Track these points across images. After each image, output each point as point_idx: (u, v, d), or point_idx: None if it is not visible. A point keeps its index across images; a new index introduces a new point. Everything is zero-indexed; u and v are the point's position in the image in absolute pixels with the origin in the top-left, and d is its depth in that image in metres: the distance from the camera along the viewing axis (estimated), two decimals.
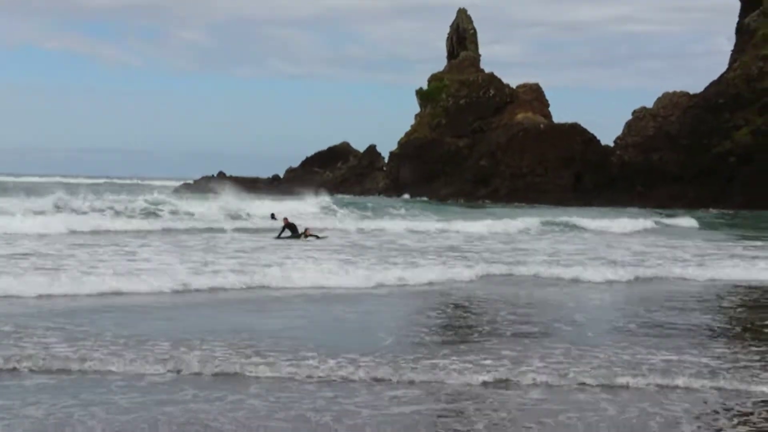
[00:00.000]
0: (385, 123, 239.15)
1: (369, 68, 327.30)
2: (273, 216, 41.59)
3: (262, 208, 46.03)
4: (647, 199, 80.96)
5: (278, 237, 33.79)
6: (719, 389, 11.34)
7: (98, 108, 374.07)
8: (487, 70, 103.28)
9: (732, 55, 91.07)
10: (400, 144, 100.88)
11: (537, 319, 16.50)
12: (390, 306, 18.53)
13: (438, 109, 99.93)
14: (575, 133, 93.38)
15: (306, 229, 34.24)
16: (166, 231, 35.58)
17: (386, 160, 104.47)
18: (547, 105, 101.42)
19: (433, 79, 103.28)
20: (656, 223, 50.52)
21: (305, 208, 49.06)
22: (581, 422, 9.89)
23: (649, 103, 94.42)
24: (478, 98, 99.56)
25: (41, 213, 36.96)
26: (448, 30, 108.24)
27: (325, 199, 53.53)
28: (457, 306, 18.28)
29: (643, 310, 18.06)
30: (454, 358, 12.53)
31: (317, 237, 33.96)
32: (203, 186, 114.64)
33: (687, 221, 52.87)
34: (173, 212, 42.73)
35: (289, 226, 34.41)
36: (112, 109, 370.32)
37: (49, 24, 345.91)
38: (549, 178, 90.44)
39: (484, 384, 11.28)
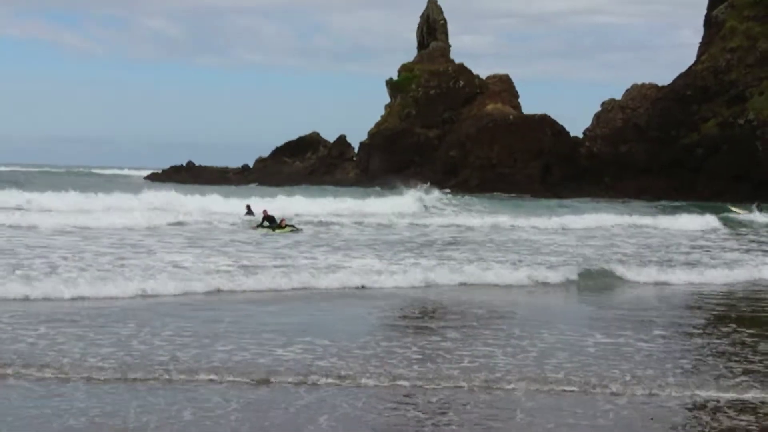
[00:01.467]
0: (355, 113, 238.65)
1: (338, 58, 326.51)
2: (249, 208, 41.87)
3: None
4: (615, 190, 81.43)
5: (258, 227, 34.68)
6: None
7: (61, 96, 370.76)
8: (457, 61, 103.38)
9: (700, 47, 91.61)
10: (370, 134, 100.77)
11: None
12: None
13: (408, 99, 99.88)
14: (545, 124, 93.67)
15: (282, 220, 35.07)
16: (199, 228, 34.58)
17: (356, 151, 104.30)
18: (517, 96, 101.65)
19: (404, 69, 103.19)
20: (722, 220, 48.32)
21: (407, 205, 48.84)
22: None
23: (617, 95, 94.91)
24: (448, 89, 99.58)
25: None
26: (418, 20, 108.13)
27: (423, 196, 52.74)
28: None
29: None
30: None
31: (294, 228, 34.46)
32: (172, 176, 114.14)
33: (754, 216, 52.45)
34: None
35: (268, 218, 35.48)
36: (75, 98, 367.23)
37: (11, 11, 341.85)
38: (518, 170, 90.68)
39: None
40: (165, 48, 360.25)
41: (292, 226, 34.36)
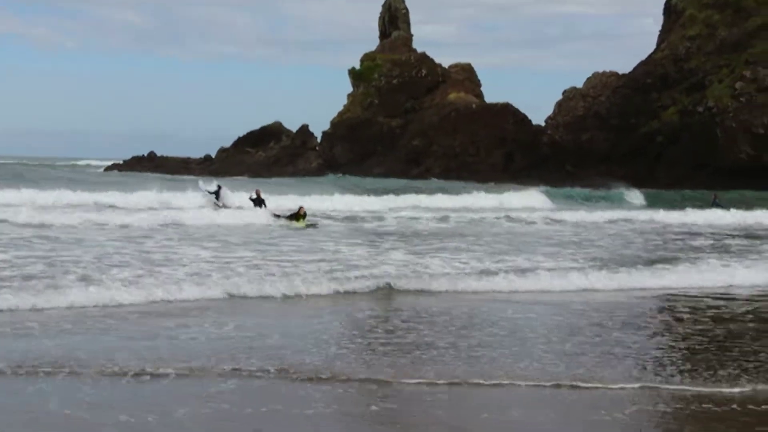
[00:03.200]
0: (317, 103, 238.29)
1: (299, 48, 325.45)
2: (218, 188, 41.52)
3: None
4: (576, 178, 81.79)
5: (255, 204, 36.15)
6: None
7: (24, 88, 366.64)
8: (419, 50, 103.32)
9: (660, 35, 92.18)
10: (333, 124, 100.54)
11: None
12: None
13: (370, 88, 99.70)
14: (507, 113, 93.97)
15: (300, 208, 34.26)
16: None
17: (319, 140, 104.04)
18: (479, 85, 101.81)
19: (366, 58, 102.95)
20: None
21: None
22: None
23: (580, 84, 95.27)
24: (410, 78, 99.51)
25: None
26: (380, 9, 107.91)
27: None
28: None
29: None
30: None
31: (312, 224, 33.53)
32: (134, 166, 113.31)
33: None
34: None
35: (259, 199, 37.05)
36: (37, 90, 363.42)
37: None
38: (481, 158, 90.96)
39: None
40: (131, 39, 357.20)
41: (314, 225, 33.38)
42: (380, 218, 38.00)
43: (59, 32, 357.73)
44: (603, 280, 20.60)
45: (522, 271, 21.36)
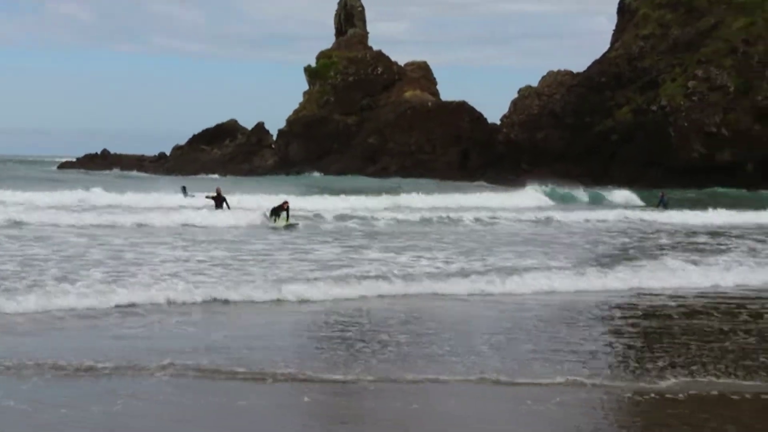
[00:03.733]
0: (273, 100, 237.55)
1: (255, 45, 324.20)
2: (184, 190, 41.24)
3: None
4: (532, 176, 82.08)
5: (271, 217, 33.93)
6: None
7: None
8: (375, 48, 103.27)
9: (614, 34, 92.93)
10: (289, 121, 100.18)
11: None
12: None
13: (326, 86, 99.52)
14: (462, 111, 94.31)
15: (285, 202, 33.89)
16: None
17: (275, 138, 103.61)
18: (435, 83, 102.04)
19: (322, 56, 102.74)
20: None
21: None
22: None
23: (535, 82, 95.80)
24: (366, 76, 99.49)
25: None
26: (335, 7, 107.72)
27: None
28: None
29: None
30: None
31: (291, 224, 32.87)
32: (87, 164, 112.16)
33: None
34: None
35: (219, 198, 36.79)
36: None
37: None
38: (437, 156, 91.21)
39: None
40: (79, 34, 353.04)
41: (293, 224, 32.81)
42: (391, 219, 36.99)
43: (7, 27, 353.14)
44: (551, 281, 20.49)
45: (498, 271, 21.32)
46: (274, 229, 31.69)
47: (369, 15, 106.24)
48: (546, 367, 12.48)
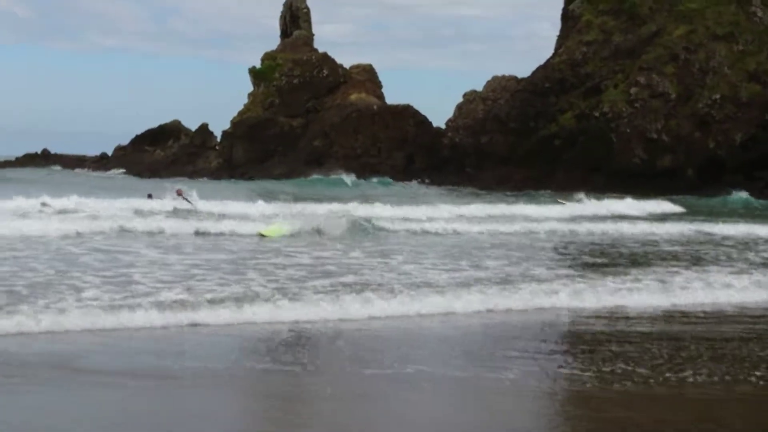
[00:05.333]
0: (217, 101, 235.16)
1: (198, 44, 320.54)
2: (150, 196, 39.89)
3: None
4: (476, 180, 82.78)
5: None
6: None
7: None
8: (320, 50, 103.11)
9: (558, 40, 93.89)
10: (233, 123, 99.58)
11: None
12: None
13: (271, 88, 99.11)
14: (408, 114, 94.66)
15: (178, 190, 36.11)
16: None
17: (219, 140, 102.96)
18: (380, 86, 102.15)
19: (267, 57, 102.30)
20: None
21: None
22: None
23: (478, 86, 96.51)
24: (311, 78, 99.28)
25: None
26: (281, 8, 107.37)
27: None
28: None
29: None
30: None
31: (188, 201, 35.09)
32: (26, 164, 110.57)
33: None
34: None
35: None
36: None
37: None
38: (382, 159, 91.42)
39: None
40: (12, 30, 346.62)
41: (187, 199, 33.82)
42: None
43: None
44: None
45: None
46: (262, 237, 29.29)
47: (314, 17, 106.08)
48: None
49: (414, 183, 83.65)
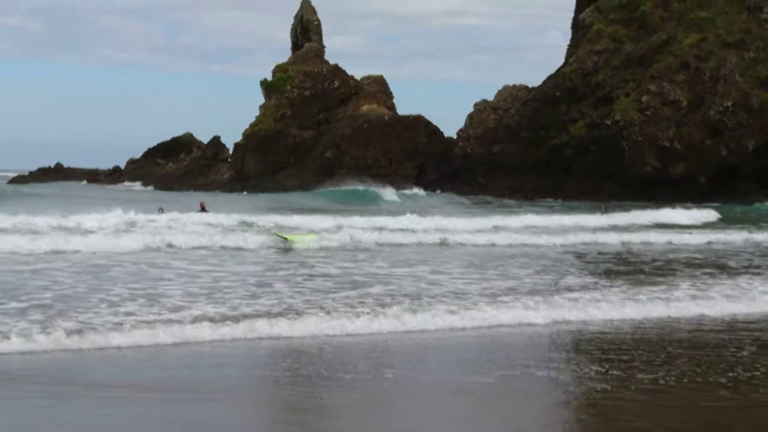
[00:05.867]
0: (229, 114, 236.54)
1: (209, 58, 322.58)
2: (161, 210, 39.10)
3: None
4: (488, 189, 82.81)
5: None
6: None
7: None
8: (331, 62, 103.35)
9: (568, 49, 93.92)
10: (245, 135, 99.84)
11: None
12: None
13: (283, 100, 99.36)
14: (419, 125, 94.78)
15: (202, 203, 38.70)
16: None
17: (231, 152, 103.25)
18: (391, 97, 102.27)
19: (278, 70, 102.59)
20: None
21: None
22: None
23: (488, 96, 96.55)
24: (323, 90, 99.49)
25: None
26: (291, 21, 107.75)
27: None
28: None
29: None
30: None
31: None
32: (40, 178, 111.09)
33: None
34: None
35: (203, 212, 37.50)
36: None
37: None
38: (393, 170, 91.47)
39: None
40: (26, 46, 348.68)
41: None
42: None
43: None
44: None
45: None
46: (287, 249, 29.04)
47: (324, 29, 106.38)
48: None
49: (423, 193, 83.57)
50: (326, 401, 11.42)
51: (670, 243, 35.94)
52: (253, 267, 24.38)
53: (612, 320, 17.64)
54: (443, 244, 32.82)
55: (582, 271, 25.37)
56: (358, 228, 34.46)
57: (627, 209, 53.16)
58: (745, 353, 14.61)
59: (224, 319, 16.03)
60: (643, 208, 54.33)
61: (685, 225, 47.28)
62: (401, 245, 31.87)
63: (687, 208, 55.88)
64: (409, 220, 39.07)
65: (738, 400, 11.66)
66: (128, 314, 16.21)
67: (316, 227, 35.03)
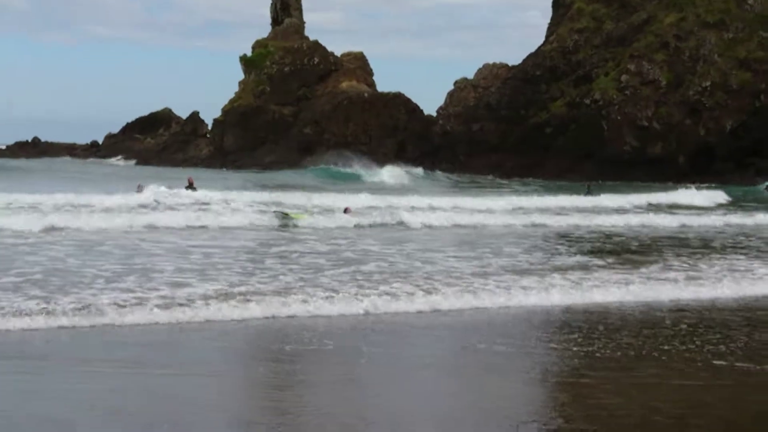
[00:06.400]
0: (208, 90, 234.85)
1: (189, 33, 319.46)
2: (140, 188, 37.39)
3: None
4: (467, 168, 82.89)
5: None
6: None
7: None
8: (311, 38, 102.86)
9: (549, 28, 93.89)
10: (224, 111, 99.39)
11: None
12: None
13: (262, 76, 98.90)
14: (399, 102, 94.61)
15: (190, 178, 38.09)
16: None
17: (210, 127, 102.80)
18: (371, 74, 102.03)
19: (258, 45, 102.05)
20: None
21: None
22: None
23: (468, 74, 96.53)
24: (303, 66, 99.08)
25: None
26: None
27: None
28: None
29: None
30: None
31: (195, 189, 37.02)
32: (17, 152, 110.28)
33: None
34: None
35: (191, 188, 37.15)
36: None
37: None
38: (373, 147, 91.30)
39: None
40: (9, 22, 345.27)
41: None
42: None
43: None
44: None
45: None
46: (286, 226, 29.31)
47: (303, 4, 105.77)
48: None
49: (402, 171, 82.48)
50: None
51: (727, 225, 35.36)
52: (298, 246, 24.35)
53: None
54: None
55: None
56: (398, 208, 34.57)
57: (622, 191, 52.59)
58: None
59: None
60: (638, 189, 54.03)
61: (701, 207, 46.27)
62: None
63: (687, 188, 55.22)
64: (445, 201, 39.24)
65: None
66: (124, 291, 16.39)
67: (354, 205, 34.87)
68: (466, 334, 14.84)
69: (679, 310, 17.26)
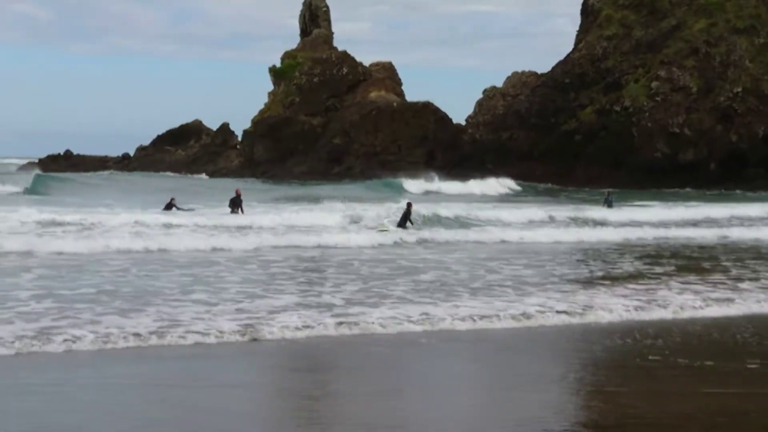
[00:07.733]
0: (238, 101, 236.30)
1: (217, 45, 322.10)
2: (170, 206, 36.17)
3: None
4: (497, 176, 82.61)
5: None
6: None
7: None
8: (339, 48, 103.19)
9: (577, 35, 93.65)
10: (254, 122, 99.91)
11: None
12: None
13: (291, 87, 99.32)
14: (428, 111, 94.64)
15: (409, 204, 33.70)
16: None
17: (240, 139, 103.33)
18: (400, 83, 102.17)
19: (287, 56, 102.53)
20: None
21: None
22: None
23: (497, 83, 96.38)
24: (331, 76, 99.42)
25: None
26: (300, 7, 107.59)
27: None
28: None
29: None
30: None
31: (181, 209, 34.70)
32: (49, 165, 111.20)
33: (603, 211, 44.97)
34: None
35: (237, 200, 34.89)
36: None
37: None
38: (402, 156, 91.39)
39: None
40: (34, 33, 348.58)
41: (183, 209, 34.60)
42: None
43: None
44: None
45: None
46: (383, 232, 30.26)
47: (332, 15, 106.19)
48: None
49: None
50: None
51: None
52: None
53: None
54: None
55: None
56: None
57: (667, 199, 51.54)
58: None
59: None
60: (675, 200, 52.89)
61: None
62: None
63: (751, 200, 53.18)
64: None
65: None
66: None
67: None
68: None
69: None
